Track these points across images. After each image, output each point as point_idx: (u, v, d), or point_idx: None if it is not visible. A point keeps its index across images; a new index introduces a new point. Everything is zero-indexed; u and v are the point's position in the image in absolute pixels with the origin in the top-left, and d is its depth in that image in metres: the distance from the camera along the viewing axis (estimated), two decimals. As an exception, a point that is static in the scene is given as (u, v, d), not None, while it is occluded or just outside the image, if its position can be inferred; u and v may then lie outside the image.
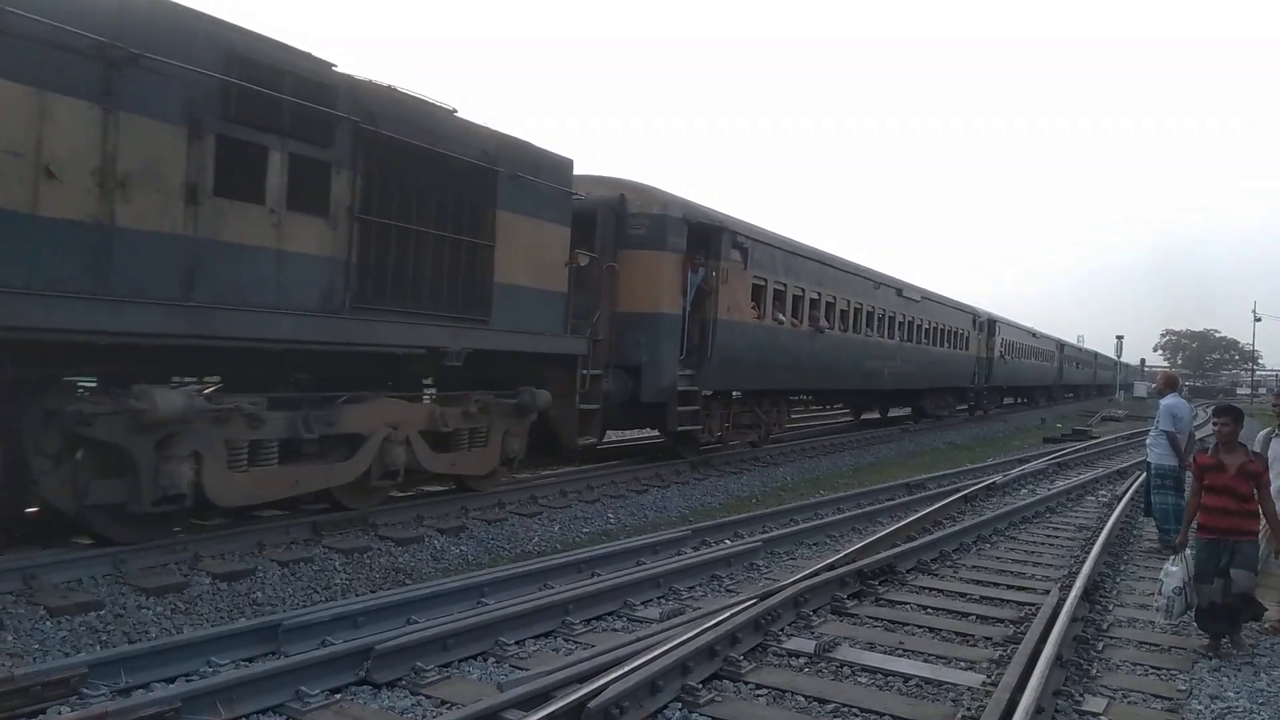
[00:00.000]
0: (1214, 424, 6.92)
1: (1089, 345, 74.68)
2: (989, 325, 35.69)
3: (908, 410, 31.02)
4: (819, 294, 19.55)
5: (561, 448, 12.69)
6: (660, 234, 14.10)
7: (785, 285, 17.94)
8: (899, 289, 25.09)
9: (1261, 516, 6.69)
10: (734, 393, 16.82)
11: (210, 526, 8.52)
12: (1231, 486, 6.46)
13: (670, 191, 14.76)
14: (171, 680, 5.17)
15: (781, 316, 17.78)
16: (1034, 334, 46.28)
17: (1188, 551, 6.75)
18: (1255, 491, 6.50)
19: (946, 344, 30.15)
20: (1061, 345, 56.62)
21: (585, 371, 12.13)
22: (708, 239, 15.18)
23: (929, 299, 28.16)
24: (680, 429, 14.60)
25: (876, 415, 30.59)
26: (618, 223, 13.72)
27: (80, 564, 7.02)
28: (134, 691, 4.98)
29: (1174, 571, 6.69)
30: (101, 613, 6.42)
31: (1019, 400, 50.01)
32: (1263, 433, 7.96)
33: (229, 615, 6.83)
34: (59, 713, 4.67)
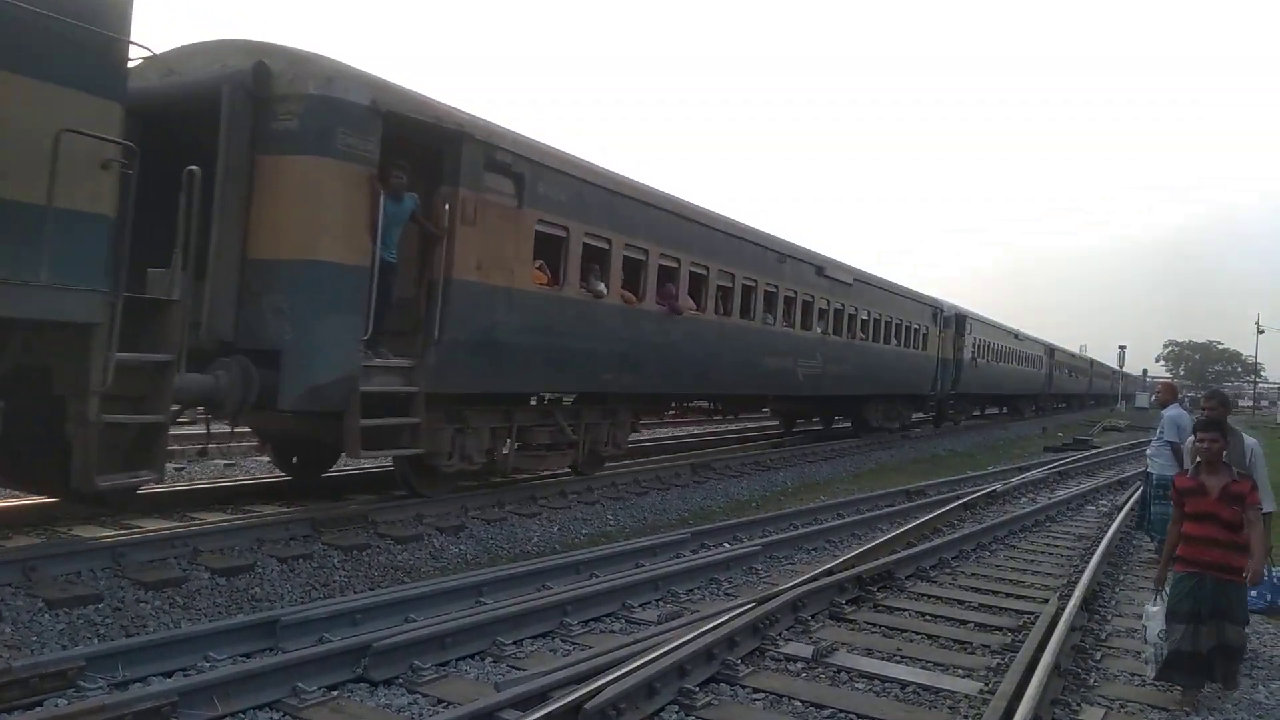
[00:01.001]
0: (1196, 441, 5.82)
1: (1092, 355, 73.91)
2: (957, 322, 30.60)
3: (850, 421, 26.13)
4: (678, 261, 13.80)
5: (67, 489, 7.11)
6: (322, 128, 8.32)
7: (610, 242, 12.21)
8: (819, 266, 19.43)
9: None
10: (533, 399, 12.22)
11: (210, 520, 8.52)
12: (1214, 512, 5.54)
13: (352, 65, 8.94)
14: (169, 675, 5.17)
15: (602, 286, 12.13)
16: (1017, 335, 41.22)
17: (1166, 588, 5.90)
18: (1240, 519, 5.54)
19: (896, 341, 24.86)
20: (1051, 350, 51.15)
21: (111, 354, 6.40)
22: (433, 150, 9.61)
23: (867, 283, 22.42)
24: (382, 451, 9.51)
25: (810, 425, 26.11)
26: (256, 111, 8.32)
27: (80, 557, 7.02)
28: (131, 685, 4.97)
29: (1155, 613, 5.85)
30: (100, 606, 6.42)
31: (1002, 410, 45.65)
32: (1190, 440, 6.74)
33: (227, 610, 6.84)
34: (56, 705, 4.67)
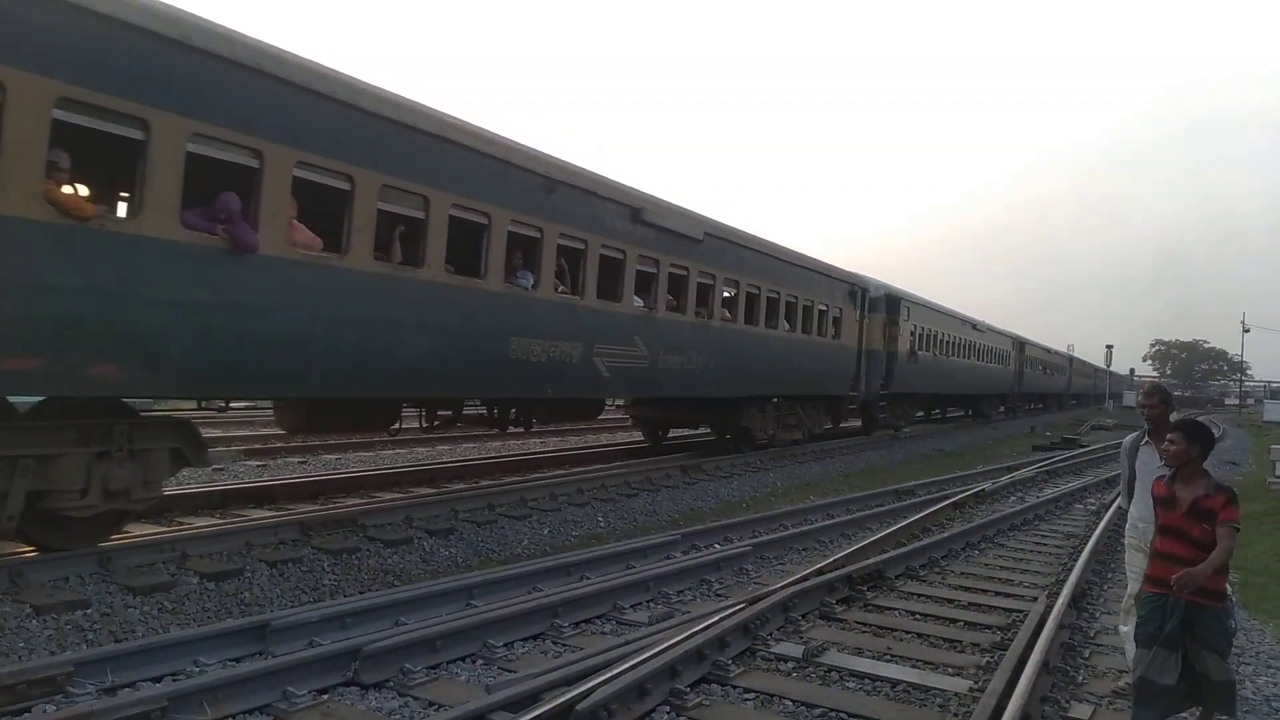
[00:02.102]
0: (1164, 444, 5.17)
1: (1080, 355, 72.49)
2: (889, 305, 24.71)
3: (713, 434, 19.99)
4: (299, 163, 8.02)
5: None
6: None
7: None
8: (635, 209, 12.91)
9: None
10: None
11: (198, 525, 8.49)
12: (1182, 528, 4.83)
13: None
14: (158, 680, 5.15)
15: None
16: (975, 325, 35.13)
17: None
18: (1213, 535, 4.79)
19: (791, 326, 18.73)
20: (1021, 344, 44.99)
21: None
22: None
23: (736, 244, 16.17)
24: None
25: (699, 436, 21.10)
26: None
27: (67, 562, 6.99)
28: (120, 690, 4.96)
29: (1127, 633, 5.46)
30: (88, 611, 6.40)
31: (968, 413, 40.29)
32: (1129, 438, 6.19)
33: (217, 615, 6.81)
34: (45, 711, 4.65)
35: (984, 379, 37.60)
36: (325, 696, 5.14)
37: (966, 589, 8.52)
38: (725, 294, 16.26)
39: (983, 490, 14.80)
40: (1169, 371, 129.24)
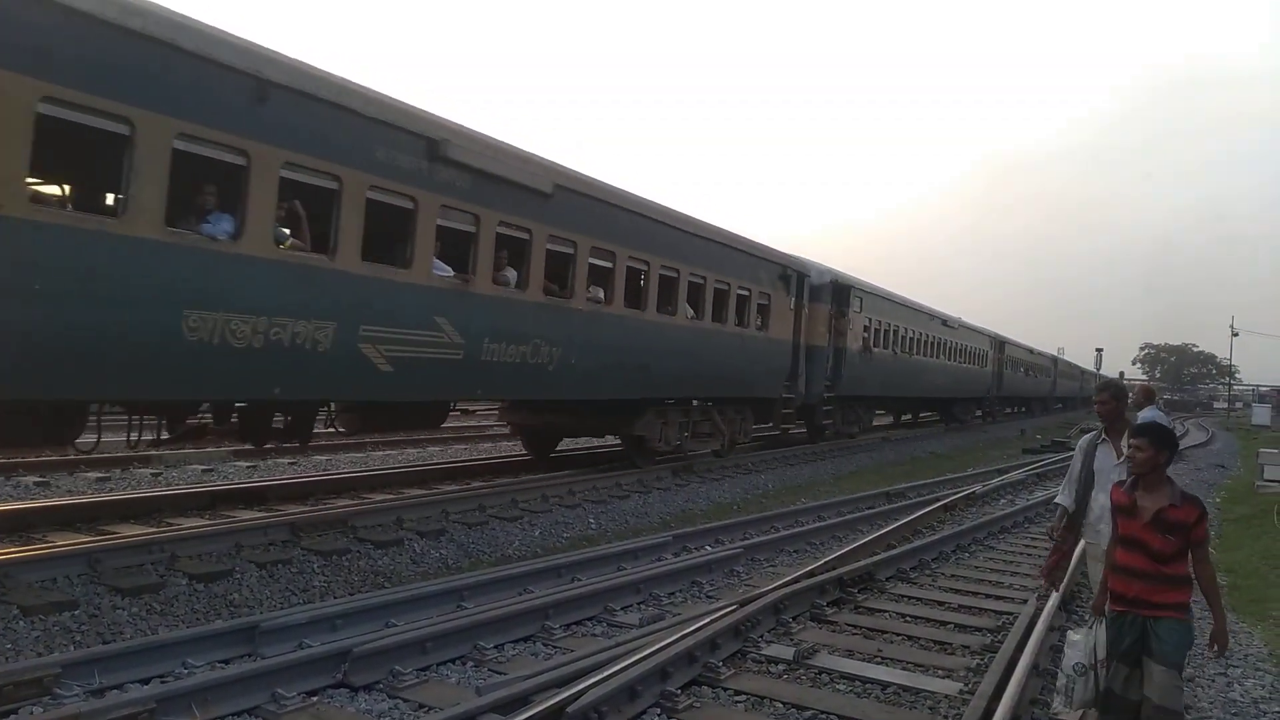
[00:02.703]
0: (1130, 448, 4.67)
1: (1070, 358, 72.07)
2: (835, 293, 21.27)
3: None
4: None
5: None
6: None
7: None
8: (434, 141, 9.33)
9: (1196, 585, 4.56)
10: None
11: (188, 526, 8.45)
12: (1143, 540, 4.45)
13: None
14: (146, 681, 5.12)
15: None
16: (946, 321, 32.05)
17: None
18: (1181, 549, 4.43)
19: (697, 313, 15.34)
20: (1001, 343, 41.85)
21: None
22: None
23: (609, 204, 12.67)
24: None
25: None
26: None
27: (55, 563, 6.95)
28: (108, 692, 4.93)
29: (1077, 641, 4.90)
30: (76, 613, 6.35)
31: (940, 418, 37.14)
32: (1085, 437, 5.94)
33: (206, 616, 6.78)
34: (31, 713, 4.62)
35: (958, 380, 34.01)
36: (315, 698, 5.12)
37: (957, 591, 8.54)
38: (597, 267, 12.65)
39: (973, 493, 14.84)
40: (1159, 375, 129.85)
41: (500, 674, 5.64)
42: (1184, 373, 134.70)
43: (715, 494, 14.61)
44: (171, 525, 8.87)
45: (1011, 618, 7.40)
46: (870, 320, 23.73)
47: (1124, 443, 5.16)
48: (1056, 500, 6.10)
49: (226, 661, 5.55)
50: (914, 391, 29.91)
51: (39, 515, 8.69)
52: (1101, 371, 77.93)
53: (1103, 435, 5.74)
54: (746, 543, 9.97)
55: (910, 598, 8.20)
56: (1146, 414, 10.51)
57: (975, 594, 8.46)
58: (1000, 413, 45.88)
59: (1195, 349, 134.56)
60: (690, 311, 15.28)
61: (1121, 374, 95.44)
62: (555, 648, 6.33)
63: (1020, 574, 9.44)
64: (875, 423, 30.36)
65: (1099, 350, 70.71)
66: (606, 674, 5.18)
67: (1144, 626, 4.44)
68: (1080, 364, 75.96)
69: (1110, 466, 5.51)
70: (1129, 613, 4.49)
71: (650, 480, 14.29)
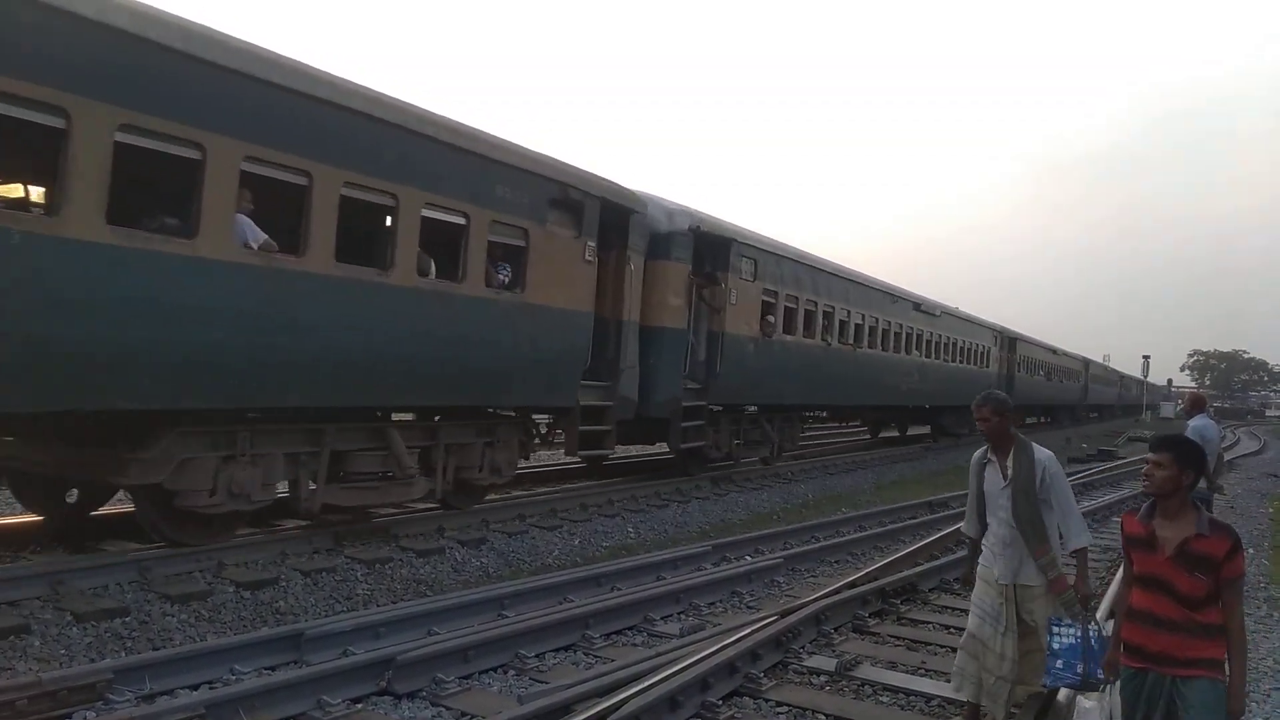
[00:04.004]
0: (1146, 466, 3.89)
1: (1115, 365, 70.48)
2: (704, 249, 14.19)
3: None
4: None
5: None
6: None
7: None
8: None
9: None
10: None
11: (235, 534, 8.58)
12: (1166, 579, 3.68)
13: None
14: (195, 688, 5.22)
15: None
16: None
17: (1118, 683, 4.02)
18: (1213, 590, 3.61)
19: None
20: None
21: None
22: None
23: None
24: None
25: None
26: None
27: (106, 570, 7.10)
28: (159, 698, 5.02)
29: (1090, 710, 4.71)
30: (127, 619, 6.48)
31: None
32: (975, 454, 5.25)
33: (252, 624, 6.88)
34: (84, 718, 4.72)
35: (943, 383, 26.43)
36: (359, 705, 5.18)
37: (1002, 603, 8.40)
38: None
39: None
40: (1208, 382, 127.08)
41: (542, 683, 5.66)
42: (1234, 380, 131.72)
43: (754, 503, 14.54)
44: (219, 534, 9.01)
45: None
46: (776, 294, 16.29)
47: (1009, 462, 4.92)
48: (961, 528, 5.49)
49: (273, 668, 5.63)
50: (864, 397, 21.93)
51: (90, 523, 8.88)
52: (1149, 380, 76.14)
53: (989, 454, 5.09)
54: (787, 553, 9.91)
55: (955, 609, 8.08)
56: (1196, 422, 10.28)
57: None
58: (1085, 418, 46.15)
59: (1245, 355, 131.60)
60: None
61: (1169, 382, 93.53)
62: (596, 657, 6.34)
63: (1093, 576, 9.26)
64: (832, 439, 27.33)
65: (1146, 358, 68.98)
66: (647, 684, 5.17)
67: (1172, 690, 3.65)
68: (1121, 369, 73.37)
69: (997, 490, 4.98)
70: (1150, 671, 3.70)
71: (689, 489, 14.26)
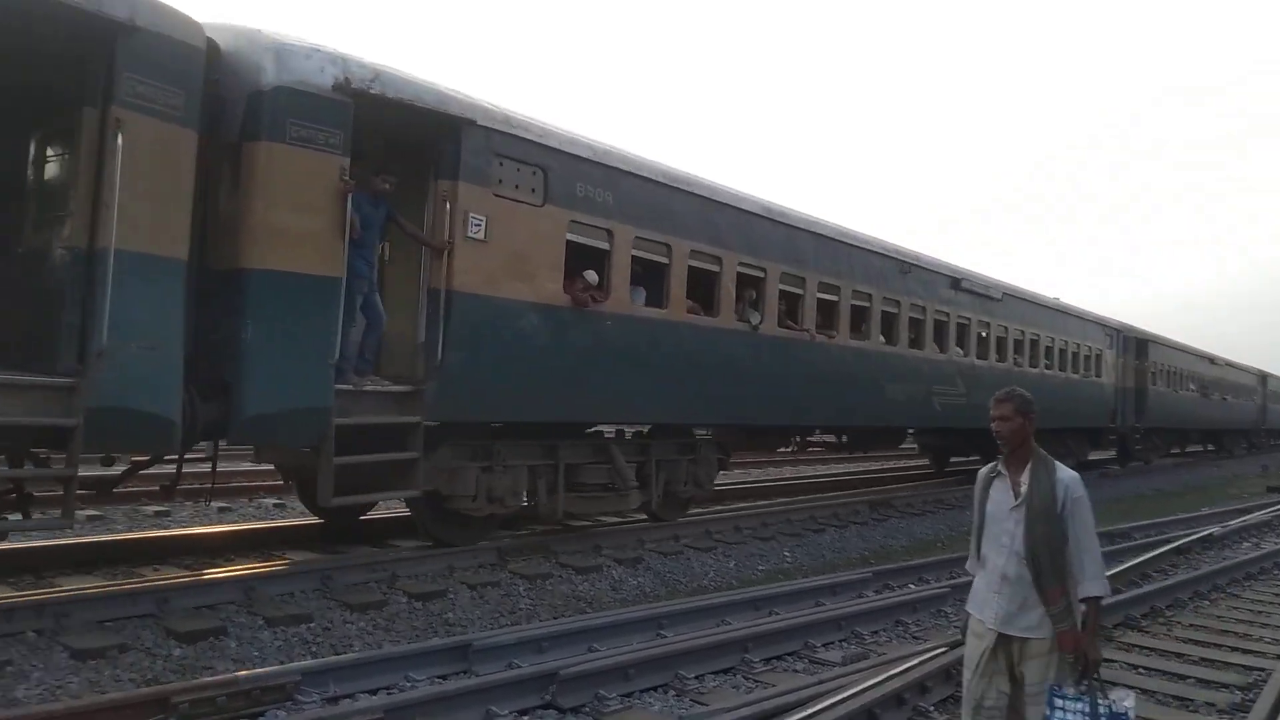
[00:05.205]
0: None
1: None
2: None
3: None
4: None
5: None
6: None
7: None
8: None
9: None
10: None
11: (406, 546, 9.01)
12: None
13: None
14: (374, 692, 5.47)
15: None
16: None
17: None
18: None
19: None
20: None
21: None
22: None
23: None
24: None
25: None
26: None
27: (293, 579, 7.59)
28: (341, 700, 5.29)
29: None
30: (311, 625, 6.89)
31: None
32: (981, 471, 4.31)
33: (423, 633, 7.17)
34: (276, 716, 5.03)
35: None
36: (525, 718, 5.29)
37: (1196, 642, 7.74)
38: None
39: (1210, 534, 13.47)
40: None
41: (702, 704, 5.62)
42: None
43: (916, 530, 14.04)
44: (392, 546, 9.48)
45: (1264, 675, 6.63)
46: (610, 235, 10.15)
47: (1023, 478, 4.02)
48: (966, 567, 4.45)
49: (443, 677, 5.84)
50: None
51: (273, 534, 9.52)
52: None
53: (998, 468, 4.19)
54: (954, 582, 9.48)
55: (1141, 647, 7.51)
56: None
57: (1218, 646, 7.64)
58: (1266, 445, 38.67)
59: None
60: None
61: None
62: (756, 681, 6.25)
63: (1271, 625, 8.46)
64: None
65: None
66: (810, 711, 5.05)
67: None
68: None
69: (1004, 511, 4.05)
70: None
71: (845, 514, 13.92)
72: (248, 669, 5.68)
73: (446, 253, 8.11)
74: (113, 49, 5.98)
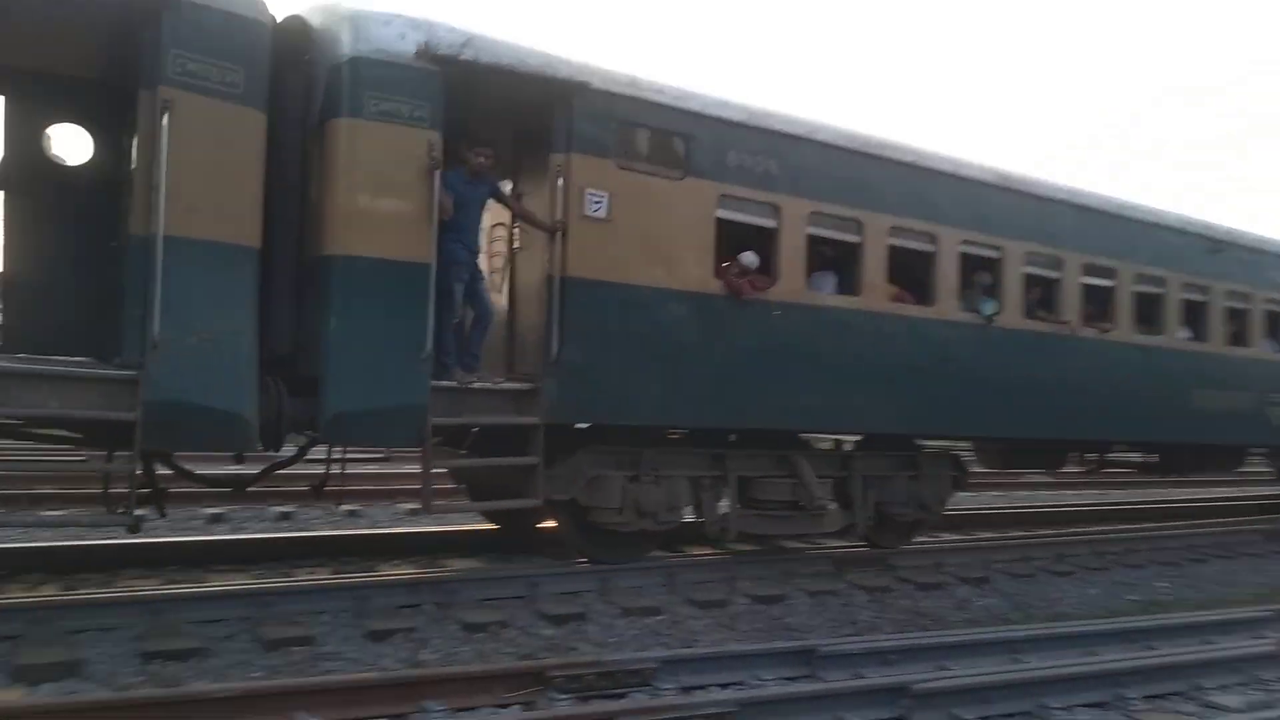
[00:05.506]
0: None
1: None
2: None
3: None
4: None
5: None
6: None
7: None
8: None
9: None
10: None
11: (747, 549, 9.20)
12: None
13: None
14: (724, 686, 5.61)
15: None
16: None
17: None
18: None
19: None
20: None
21: None
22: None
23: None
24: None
25: None
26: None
27: (643, 573, 8.03)
28: (694, 691, 5.49)
29: None
30: (660, 618, 7.25)
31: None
32: None
33: (765, 635, 7.25)
34: (637, 699, 5.32)
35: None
36: (874, 729, 5.16)
37: None
38: None
39: None
40: None
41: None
42: None
43: (1326, 566, 11.88)
44: (730, 551, 9.71)
45: None
46: (779, 211, 8.94)
47: None
48: None
49: (790, 679, 5.86)
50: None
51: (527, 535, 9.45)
52: None
53: None
54: (1387, 630, 7.92)
55: None
56: None
57: None
58: None
59: None
60: None
61: None
62: (1134, 720, 5.62)
63: None
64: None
65: None
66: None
67: None
68: None
69: None
70: None
71: (1234, 544, 12.14)
72: (608, 653, 6.09)
73: (560, 234, 7.27)
74: (158, 25, 5.68)
